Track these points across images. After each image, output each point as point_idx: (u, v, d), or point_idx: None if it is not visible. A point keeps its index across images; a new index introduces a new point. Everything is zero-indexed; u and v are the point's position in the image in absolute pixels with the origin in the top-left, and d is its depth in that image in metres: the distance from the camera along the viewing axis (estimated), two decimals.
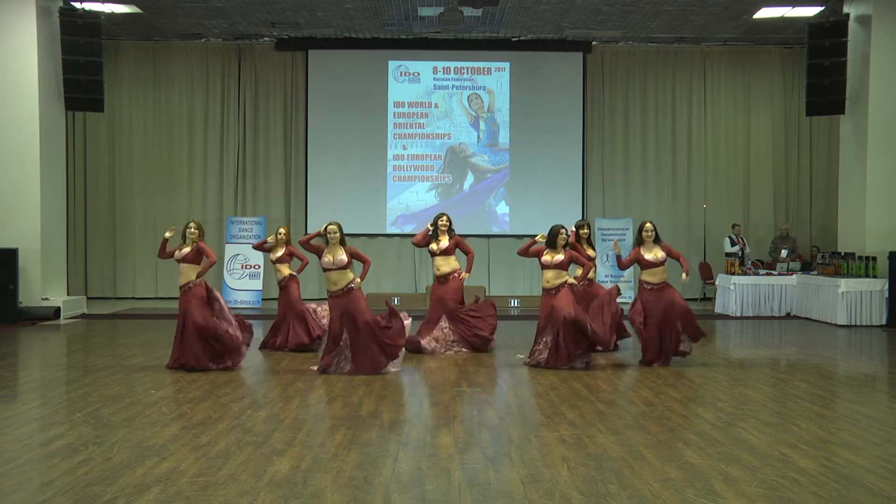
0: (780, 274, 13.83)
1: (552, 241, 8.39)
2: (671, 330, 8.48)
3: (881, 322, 12.20)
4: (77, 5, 13.32)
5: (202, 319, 8.07)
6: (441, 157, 16.28)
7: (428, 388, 7.47)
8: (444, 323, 9.49)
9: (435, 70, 16.27)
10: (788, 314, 13.52)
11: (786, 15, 14.17)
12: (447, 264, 9.60)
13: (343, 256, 7.94)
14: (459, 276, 9.65)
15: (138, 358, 8.95)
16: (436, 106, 16.29)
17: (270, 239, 9.70)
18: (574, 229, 9.55)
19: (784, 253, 14.94)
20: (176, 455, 5.04)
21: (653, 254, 8.54)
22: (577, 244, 9.34)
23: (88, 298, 14.74)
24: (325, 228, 7.98)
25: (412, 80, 16.28)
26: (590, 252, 9.55)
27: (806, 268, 14.04)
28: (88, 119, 15.99)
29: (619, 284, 15.29)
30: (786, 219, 16.52)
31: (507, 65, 16.29)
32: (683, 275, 8.56)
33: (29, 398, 7.03)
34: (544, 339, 8.34)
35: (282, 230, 9.79)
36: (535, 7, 13.88)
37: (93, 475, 4.62)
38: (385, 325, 7.97)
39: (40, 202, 12.67)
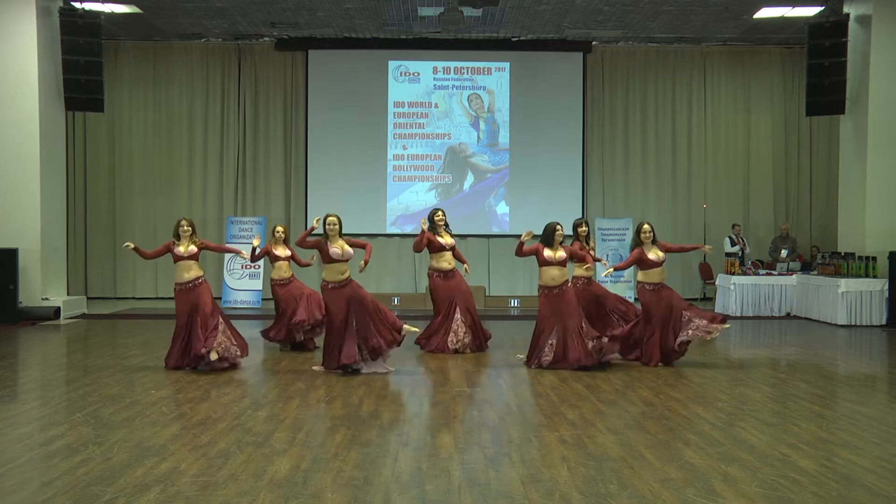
0: (780, 274, 13.83)
1: (549, 239, 8.36)
2: (672, 330, 8.48)
3: (881, 322, 12.20)
4: (77, 5, 13.32)
5: (215, 307, 8.28)
6: (441, 157, 16.29)
7: (428, 388, 7.47)
8: (458, 315, 9.48)
9: (435, 70, 16.27)
10: (788, 314, 13.52)
11: (786, 15, 14.17)
12: (452, 259, 9.73)
13: (349, 248, 8.02)
14: (467, 270, 9.82)
15: (138, 358, 8.95)
16: (436, 106, 16.29)
17: (256, 242, 9.46)
18: (572, 228, 9.58)
19: (784, 253, 14.94)
20: (176, 455, 5.04)
21: (653, 254, 8.56)
22: (580, 243, 9.37)
23: (88, 298, 14.74)
24: (326, 220, 8.00)
25: (412, 80, 16.29)
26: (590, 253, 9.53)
27: (806, 268, 14.04)
28: (88, 119, 16.00)
29: (620, 284, 15.49)
30: (786, 219, 16.52)
31: (507, 65, 16.29)
32: (707, 247, 9.19)
33: (29, 398, 7.03)
34: (550, 342, 8.29)
35: (279, 228, 9.75)
36: (535, 7, 13.88)
37: (93, 475, 4.63)
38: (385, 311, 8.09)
39: (40, 202, 12.68)
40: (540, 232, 8.55)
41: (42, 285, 12.72)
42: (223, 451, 5.12)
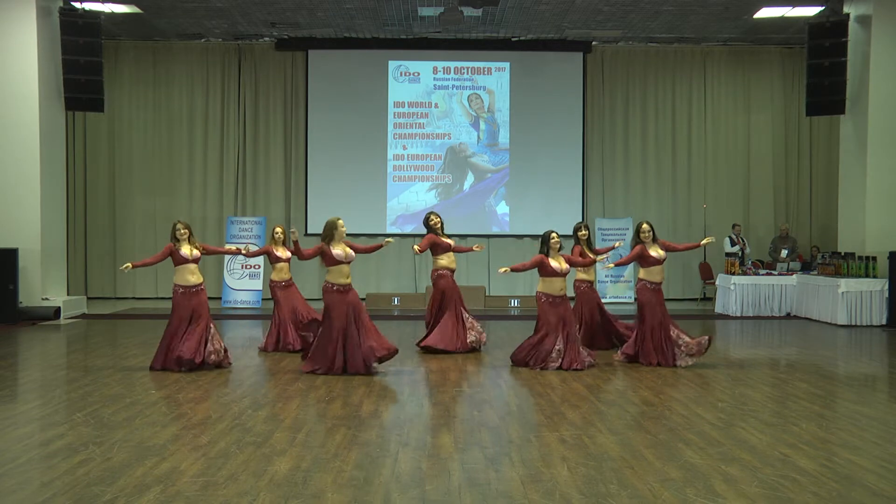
0: (780, 274, 13.83)
1: (546, 247, 8.46)
2: (670, 329, 8.50)
3: (881, 322, 12.20)
4: (77, 5, 13.32)
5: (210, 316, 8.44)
6: (441, 157, 16.29)
7: (428, 388, 7.47)
8: (465, 313, 9.58)
9: (435, 70, 16.27)
10: (788, 314, 13.52)
11: (786, 15, 14.17)
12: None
13: (350, 250, 8.04)
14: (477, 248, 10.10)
15: (138, 358, 8.95)
16: (436, 106, 16.29)
17: (244, 250, 9.48)
18: (573, 232, 9.62)
19: (784, 253, 14.94)
20: (176, 455, 5.04)
21: (655, 251, 8.58)
22: (580, 247, 9.43)
23: (88, 298, 14.74)
24: (336, 223, 7.99)
25: (412, 80, 16.29)
26: (590, 255, 9.54)
27: (806, 268, 14.04)
28: (88, 119, 16.00)
29: (620, 284, 15.50)
30: (786, 219, 16.52)
31: (507, 65, 16.29)
32: (709, 239, 9.06)
33: (29, 398, 7.03)
34: (557, 347, 8.30)
35: (278, 229, 9.72)
36: (535, 7, 13.88)
37: (93, 475, 4.63)
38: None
39: (40, 202, 12.68)
40: (539, 232, 8.60)
41: (42, 285, 12.72)
42: (223, 451, 5.12)
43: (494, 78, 16.32)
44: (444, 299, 9.57)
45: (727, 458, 5.04)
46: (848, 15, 13.14)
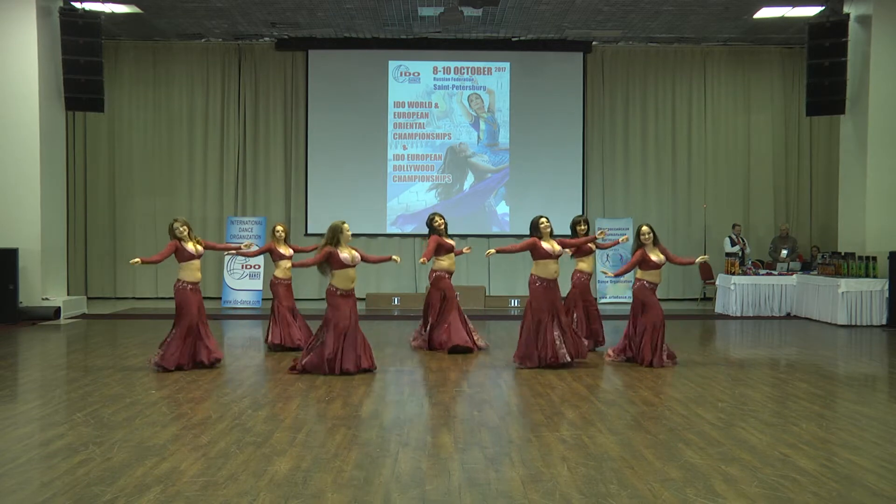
0: (780, 274, 13.83)
1: (539, 232, 8.38)
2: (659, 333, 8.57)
3: (881, 322, 12.20)
4: (77, 5, 13.33)
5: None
6: (441, 157, 16.29)
7: (428, 388, 7.47)
8: (464, 316, 9.67)
9: (435, 70, 16.27)
10: (788, 314, 13.52)
11: (786, 15, 14.17)
12: None
13: (356, 254, 8.06)
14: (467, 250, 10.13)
15: (138, 358, 8.95)
16: (436, 106, 16.29)
17: (245, 247, 9.46)
18: (571, 226, 9.62)
19: (784, 253, 14.94)
20: (176, 455, 5.04)
21: (655, 255, 8.60)
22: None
23: (88, 298, 14.74)
24: (342, 227, 7.99)
25: (412, 80, 16.29)
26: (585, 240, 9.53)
27: (806, 268, 14.04)
28: (88, 119, 16.00)
29: (620, 285, 15.49)
30: (786, 219, 16.52)
31: (507, 65, 16.29)
32: (702, 258, 9.15)
33: (29, 398, 7.03)
34: (556, 333, 8.29)
35: (279, 228, 9.69)
36: (535, 7, 13.88)
37: (93, 475, 4.63)
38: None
39: (40, 202, 12.68)
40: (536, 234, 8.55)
41: (42, 285, 12.72)
42: (223, 451, 5.13)
43: (494, 78, 16.32)
44: (444, 300, 9.57)
45: (727, 458, 5.04)
46: (848, 15, 13.14)
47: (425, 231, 9.82)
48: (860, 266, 12.44)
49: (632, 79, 16.55)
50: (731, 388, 7.37)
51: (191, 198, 16.32)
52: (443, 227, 9.62)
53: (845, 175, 13.67)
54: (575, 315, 9.41)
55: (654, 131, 16.59)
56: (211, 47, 16.30)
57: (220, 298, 15.19)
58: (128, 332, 11.52)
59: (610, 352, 8.89)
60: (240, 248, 9.31)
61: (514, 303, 15.03)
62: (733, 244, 15.15)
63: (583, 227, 9.55)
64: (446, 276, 9.62)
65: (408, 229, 16.06)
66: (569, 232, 9.72)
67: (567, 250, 8.76)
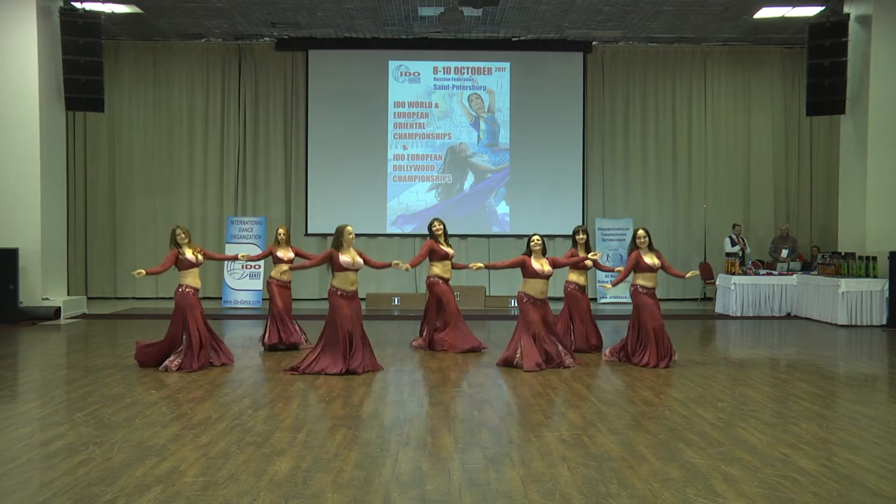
0: (780, 274, 13.83)
1: (528, 249, 8.59)
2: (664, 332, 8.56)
3: (881, 322, 12.20)
4: (77, 5, 13.33)
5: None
6: (441, 157, 16.29)
7: (428, 388, 7.47)
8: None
9: (435, 70, 16.27)
10: (789, 314, 13.52)
11: (786, 15, 14.17)
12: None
13: (359, 258, 8.12)
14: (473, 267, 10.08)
15: None
16: (436, 106, 16.29)
17: (241, 257, 9.58)
18: (571, 235, 9.67)
19: (784, 253, 14.94)
20: (176, 455, 5.04)
21: (650, 258, 8.64)
22: (574, 250, 9.50)
23: (88, 298, 14.75)
24: (344, 230, 8.06)
25: (412, 80, 16.29)
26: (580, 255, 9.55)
27: (806, 268, 14.04)
28: (88, 119, 16.00)
29: (619, 285, 15.46)
30: (786, 219, 16.52)
31: (507, 65, 16.29)
32: (691, 273, 8.90)
33: (29, 398, 7.03)
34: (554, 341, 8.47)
35: (280, 230, 9.72)
36: (535, 7, 13.88)
37: (93, 475, 4.63)
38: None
39: (40, 202, 12.68)
40: (540, 232, 8.62)
41: (42, 285, 12.72)
42: (223, 451, 5.13)
43: (494, 78, 16.32)
44: (442, 304, 9.61)
45: (727, 458, 5.04)
46: (848, 15, 13.14)
47: (426, 232, 9.88)
48: (860, 266, 12.44)
49: (632, 79, 16.55)
50: (732, 388, 7.37)
51: (191, 198, 16.32)
52: (440, 232, 9.68)
53: (845, 175, 13.67)
54: (573, 328, 9.50)
55: (654, 131, 16.59)
56: (211, 47, 16.30)
57: (221, 298, 15.19)
58: (128, 332, 11.51)
59: (607, 352, 8.93)
60: (237, 257, 9.54)
61: (514, 303, 15.00)
62: (733, 244, 15.15)
63: (581, 237, 9.56)
64: (440, 281, 9.68)
65: (408, 229, 16.06)
66: (569, 232, 9.75)
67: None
